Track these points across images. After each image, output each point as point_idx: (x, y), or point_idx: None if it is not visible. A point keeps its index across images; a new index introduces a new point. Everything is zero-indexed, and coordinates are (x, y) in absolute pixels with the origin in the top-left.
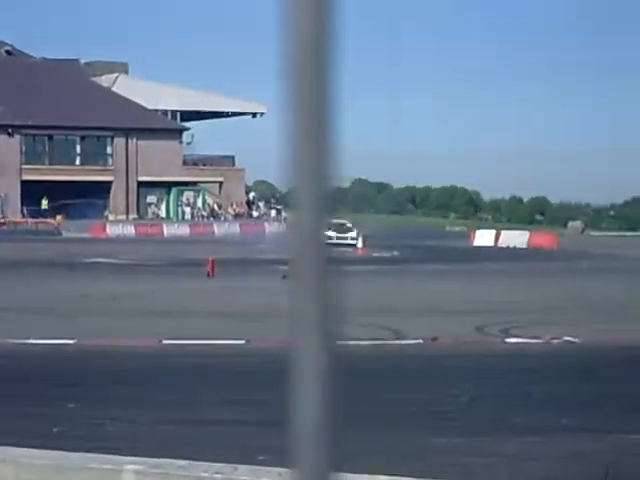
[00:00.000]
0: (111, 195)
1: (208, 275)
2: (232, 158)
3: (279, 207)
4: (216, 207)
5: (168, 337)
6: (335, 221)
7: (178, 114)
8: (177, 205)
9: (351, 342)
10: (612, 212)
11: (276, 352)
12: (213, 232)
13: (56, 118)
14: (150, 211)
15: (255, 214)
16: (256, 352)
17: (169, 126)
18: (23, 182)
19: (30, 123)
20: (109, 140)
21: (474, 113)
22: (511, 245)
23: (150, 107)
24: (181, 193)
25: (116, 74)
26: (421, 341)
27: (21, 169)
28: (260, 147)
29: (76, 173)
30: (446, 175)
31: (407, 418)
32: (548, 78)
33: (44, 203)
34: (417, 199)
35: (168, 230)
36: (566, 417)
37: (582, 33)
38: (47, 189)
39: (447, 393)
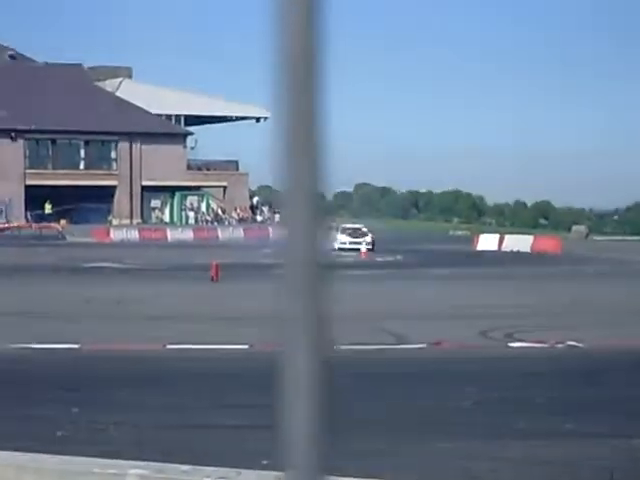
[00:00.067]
0: (115, 200)
1: (212, 280)
2: (236, 163)
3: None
4: (220, 212)
5: (172, 342)
6: (350, 226)
7: (182, 118)
8: (181, 210)
9: (355, 347)
10: (616, 217)
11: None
12: (217, 237)
13: (60, 122)
14: (154, 216)
15: (259, 219)
16: (260, 357)
17: (173, 131)
18: (27, 187)
19: (34, 127)
20: (113, 145)
21: (476, 117)
22: (515, 249)
23: (154, 112)
24: (185, 198)
25: (120, 79)
26: (425, 345)
27: (25, 174)
28: (263, 151)
29: (80, 178)
30: (450, 179)
31: (411, 422)
32: (554, 80)
33: (48, 208)
34: (420, 203)
35: (172, 235)
36: (570, 421)
37: (585, 32)
38: (51, 194)
39: (451, 397)
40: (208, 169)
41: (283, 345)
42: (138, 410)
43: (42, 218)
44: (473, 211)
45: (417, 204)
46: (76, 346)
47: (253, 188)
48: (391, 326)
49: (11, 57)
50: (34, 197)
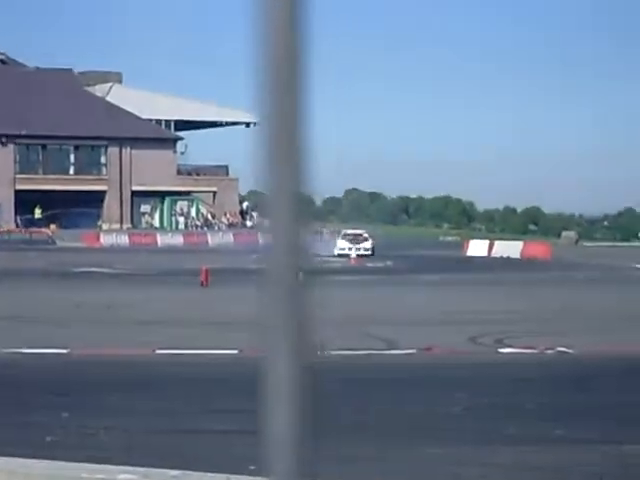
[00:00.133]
0: (105, 204)
1: (202, 284)
2: (226, 168)
3: None
4: (210, 217)
5: (162, 347)
6: (351, 232)
7: (172, 124)
8: (171, 215)
9: (345, 352)
10: (606, 222)
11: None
12: (207, 242)
13: (50, 127)
14: (144, 220)
15: (249, 224)
16: (249, 362)
17: (163, 136)
18: (17, 191)
19: (24, 132)
20: (103, 149)
21: (467, 123)
22: (505, 255)
23: (144, 117)
24: (175, 203)
25: (110, 84)
26: (414, 351)
27: (15, 178)
28: (253, 157)
29: (70, 182)
30: (440, 185)
31: (401, 428)
32: (546, 83)
33: (38, 212)
34: (411, 209)
35: (162, 240)
36: (560, 427)
37: (571, 38)
38: (41, 198)
39: (441, 403)
40: (198, 174)
41: (265, 350)
42: (128, 415)
43: (32, 223)
44: (463, 217)
45: (407, 210)
46: (66, 351)
47: (243, 193)
48: (381, 332)
49: (2, 62)
50: (24, 202)
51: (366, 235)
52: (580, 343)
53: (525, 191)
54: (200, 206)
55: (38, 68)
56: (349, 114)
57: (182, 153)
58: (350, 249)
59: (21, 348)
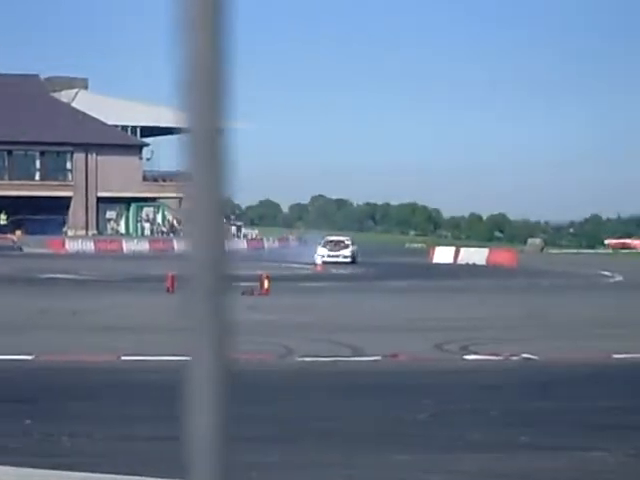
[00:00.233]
0: (70, 211)
1: (168, 291)
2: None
3: (239, 224)
4: (176, 223)
5: (127, 353)
6: (333, 238)
7: (138, 129)
8: (137, 221)
9: (310, 359)
10: (571, 229)
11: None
12: (173, 248)
13: (15, 133)
14: (109, 227)
15: None
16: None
17: (129, 142)
18: None
19: None
20: (69, 155)
21: (434, 130)
22: (470, 262)
23: (110, 122)
24: (141, 209)
25: (76, 89)
26: (380, 358)
27: None
28: None
29: (35, 188)
30: (406, 192)
31: (367, 434)
32: (505, 95)
33: (3, 218)
34: (377, 216)
35: (127, 246)
36: (525, 434)
37: (536, 45)
38: (6, 204)
39: (407, 410)
40: (164, 180)
41: (187, 354)
42: (92, 421)
43: None
44: (429, 224)
45: (374, 216)
46: (30, 357)
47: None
48: (346, 338)
49: None
50: None
51: (348, 242)
52: (545, 350)
53: (491, 198)
54: (166, 212)
55: (3, 74)
56: (315, 121)
57: (148, 159)
58: (330, 256)
59: None
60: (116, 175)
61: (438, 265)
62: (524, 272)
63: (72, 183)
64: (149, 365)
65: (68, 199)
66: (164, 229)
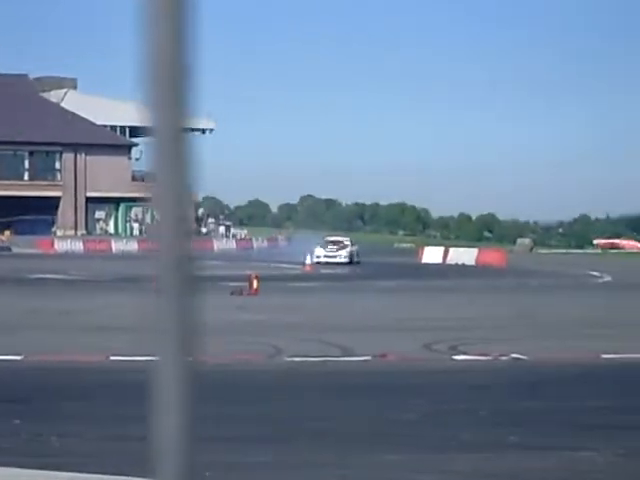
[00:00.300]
0: (59, 211)
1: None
2: None
3: (228, 223)
4: None
5: (116, 353)
6: (332, 239)
7: (127, 130)
8: (126, 221)
9: (299, 359)
10: (561, 229)
11: (223, 369)
12: None
13: (4, 133)
14: (98, 227)
15: (204, 230)
16: (202, 368)
17: (118, 142)
18: None
19: None
20: (58, 155)
21: (433, 130)
22: (459, 262)
23: (99, 122)
24: (129, 209)
25: (65, 90)
26: (369, 358)
27: None
28: (209, 163)
29: (24, 188)
30: (395, 192)
31: (358, 434)
32: (493, 95)
33: None
34: (366, 216)
35: (116, 246)
36: (514, 434)
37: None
38: None
39: (397, 410)
40: None
41: (154, 354)
42: (81, 421)
43: None
44: (418, 224)
45: (362, 216)
46: (19, 357)
47: (198, 200)
48: (335, 338)
49: None
50: None
51: (347, 242)
52: (534, 350)
53: (480, 198)
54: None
55: None
56: (305, 121)
57: (137, 159)
58: (326, 257)
59: None
60: (105, 175)
61: (427, 265)
62: (513, 272)
63: (61, 183)
64: (138, 365)
65: (57, 199)
66: None
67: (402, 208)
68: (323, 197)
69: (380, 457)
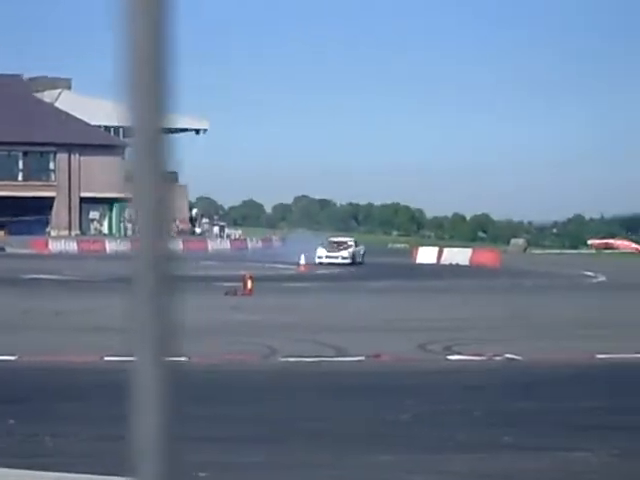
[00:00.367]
0: (53, 211)
1: None
2: (175, 174)
3: (222, 224)
4: None
5: (110, 353)
6: (335, 239)
7: (121, 130)
8: (120, 221)
9: (293, 359)
10: (555, 230)
11: (218, 369)
12: None
13: None
14: (92, 227)
15: (198, 230)
16: (197, 369)
17: (112, 142)
18: None
19: None
20: (52, 156)
21: (432, 130)
22: (453, 262)
23: (93, 123)
24: (124, 209)
25: (59, 90)
26: (363, 358)
27: None
28: (202, 163)
29: (18, 189)
30: (389, 192)
31: (353, 434)
32: (488, 95)
33: None
34: (360, 216)
35: (110, 246)
36: (508, 434)
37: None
38: None
39: (391, 410)
40: None
41: (132, 354)
42: (75, 422)
43: None
44: (412, 224)
45: (357, 217)
46: (13, 358)
47: (192, 200)
48: (330, 338)
49: None
50: None
51: (351, 243)
52: (528, 350)
53: (474, 198)
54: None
55: None
56: (299, 121)
57: None
58: (328, 257)
59: None
60: (99, 175)
61: (421, 265)
62: (507, 272)
63: (55, 183)
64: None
65: (51, 199)
66: None
67: (396, 208)
68: (317, 197)
69: (375, 457)
